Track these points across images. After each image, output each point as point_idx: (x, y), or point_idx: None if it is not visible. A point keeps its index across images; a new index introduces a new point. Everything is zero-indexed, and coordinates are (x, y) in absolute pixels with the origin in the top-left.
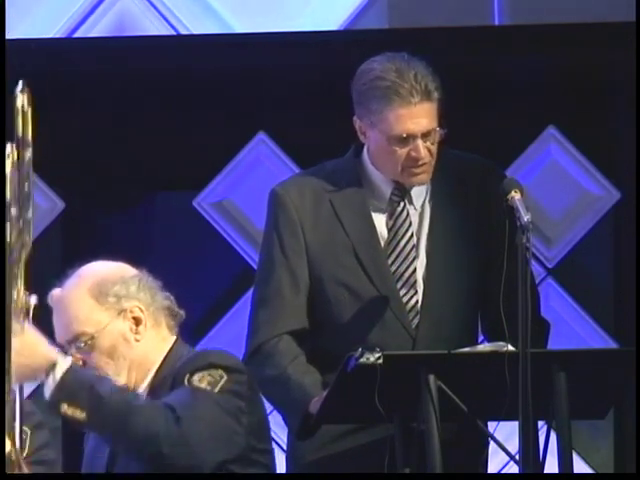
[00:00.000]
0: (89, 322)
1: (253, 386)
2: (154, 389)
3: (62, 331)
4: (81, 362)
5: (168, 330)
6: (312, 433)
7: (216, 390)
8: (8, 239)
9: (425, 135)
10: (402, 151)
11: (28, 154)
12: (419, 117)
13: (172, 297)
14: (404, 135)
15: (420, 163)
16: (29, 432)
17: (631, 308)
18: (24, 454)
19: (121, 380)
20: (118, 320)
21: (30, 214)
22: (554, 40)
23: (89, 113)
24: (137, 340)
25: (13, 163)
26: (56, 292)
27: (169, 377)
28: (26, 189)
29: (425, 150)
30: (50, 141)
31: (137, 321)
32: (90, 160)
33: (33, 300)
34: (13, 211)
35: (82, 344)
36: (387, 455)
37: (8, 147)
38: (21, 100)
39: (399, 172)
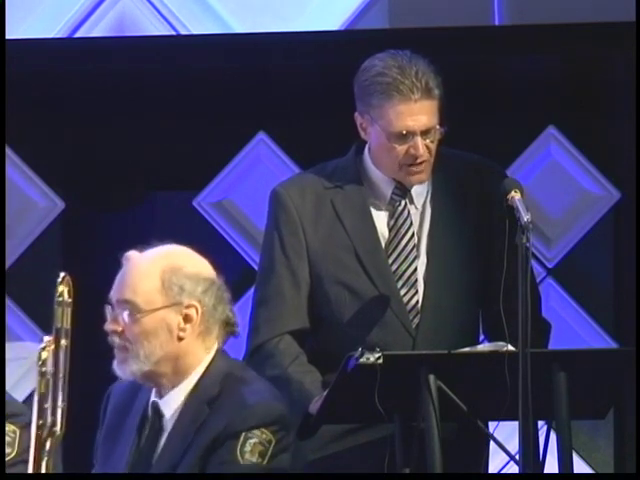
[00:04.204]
0: (144, 297)
1: (290, 426)
2: (192, 398)
3: (118, 289)
4: (120, 329)
5: (215, 341)
6: (312, 433)
7: (265, 461)
8: (41, 421)
9: (424, 133)
10: (401, 148)
11: (64, 343)
12: (419, 114)
13: (236, 315)
14: (403, 132)
15: (419, 161)
16: (18, 432)
17: (631, 308)
18: (13, 454)
19: (147, 365)
20: (170, 310)
21: (60, 403)
22: (554, 40)
23: (89, 113)
24: (180, 338)
25: (49, 353)
26: (134, 254)
27: (209, 389)
28: (60, 378)
29: (424, 148)
30: (50, 141)
31: (188, 319)
32: (90, 160)
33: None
34: (48, 402)
35: (127, 312)
36: (387, 455)
37: (46, 338)
38: (61, 291)
39: (397, 170)
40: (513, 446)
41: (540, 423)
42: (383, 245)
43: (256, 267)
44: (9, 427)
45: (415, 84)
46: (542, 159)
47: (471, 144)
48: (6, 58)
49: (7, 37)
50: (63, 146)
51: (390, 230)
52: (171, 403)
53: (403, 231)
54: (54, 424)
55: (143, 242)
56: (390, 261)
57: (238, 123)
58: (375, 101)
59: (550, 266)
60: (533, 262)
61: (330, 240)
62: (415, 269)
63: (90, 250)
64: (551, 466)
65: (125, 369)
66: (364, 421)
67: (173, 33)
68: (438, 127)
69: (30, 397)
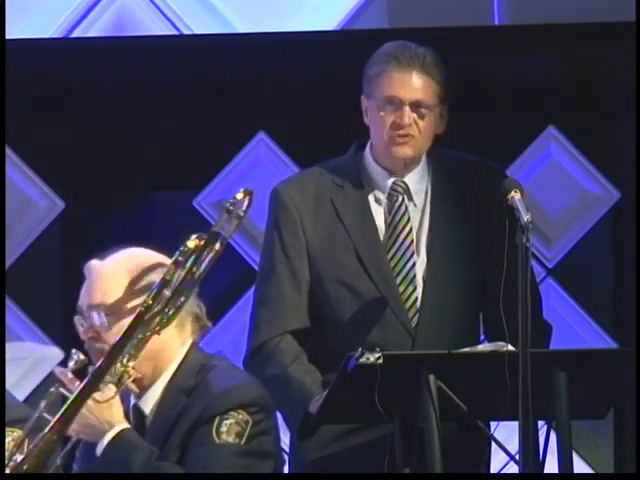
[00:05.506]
0: (114, 297)
1: (270, 409)
2: (169, 390)
3: (87, 295)
4: (96, 333)
5: (190, 336)
6: (312, 433)
7: (243, 442)
8: (150, 302)
9: (414, 105)
10: (389, 117)
11: (217, 247)
12: (411, 85)
13: (204, 308)
14: (393, 98)
15: (403, 132)
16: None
17: (631, 308)
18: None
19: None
20: None
21: (182, 300)
22: (554, 40)
23: (89, 113)
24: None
25: (197, 248)
26: (96, 262)
27: (186, 380)
28: (196, 277)
29: (411, 119)
30: (50, 141)
31: None
32: (90, 160)
33: (133, 373)
34: (169, 290)
35: (100, 314)
36: (387, 455)
37: (194, 235)
38: (239, 198)
39: (386, 140)
40: (513, 446)
41: (540, 423)
42: (382, 242)
43: (256, 267)
44: (17, 433)
45: (414, 57)
46: (542, 159)
47: (471, 144)
48: (6, 58)
49: (7, 37)
50: (63, 146)
51: (387, 226)
52: (150, 400)
53: (400, 227)
54: (163, 309)
55: (143, 242)
56: (389, 257)
57: (238, 123)
58: (374, 71)
59: (550, 266)
60: (533, 262)
61: (330, 238)
62: (413, 265)
63: (90, 250)
64: (551, 466)
65: None
66: (364, 421)
67: (172, 31)
68: (430, 105)
69: (30, 397)
